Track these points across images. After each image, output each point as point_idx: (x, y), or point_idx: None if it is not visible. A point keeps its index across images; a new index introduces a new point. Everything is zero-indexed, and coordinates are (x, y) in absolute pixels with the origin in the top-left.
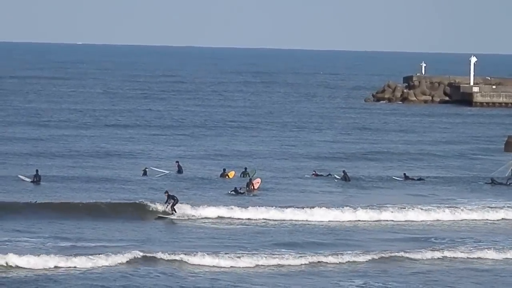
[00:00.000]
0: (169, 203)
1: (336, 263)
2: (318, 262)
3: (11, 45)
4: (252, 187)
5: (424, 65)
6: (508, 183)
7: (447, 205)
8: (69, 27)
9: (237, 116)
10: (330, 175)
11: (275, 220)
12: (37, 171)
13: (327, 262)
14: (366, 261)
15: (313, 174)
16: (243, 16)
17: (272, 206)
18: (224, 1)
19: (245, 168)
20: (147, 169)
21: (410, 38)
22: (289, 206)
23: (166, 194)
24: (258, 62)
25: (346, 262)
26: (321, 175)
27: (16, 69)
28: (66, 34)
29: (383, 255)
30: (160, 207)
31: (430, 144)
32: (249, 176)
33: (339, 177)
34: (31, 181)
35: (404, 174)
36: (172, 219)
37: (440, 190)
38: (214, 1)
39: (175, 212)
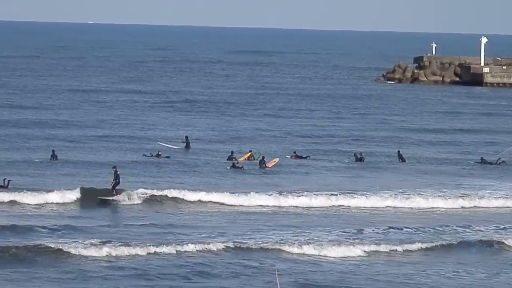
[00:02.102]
0: (112, 182)
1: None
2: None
3: (17, 25)
4: (264, 166)
5: (434, 45)
6: (497, 162)
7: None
8: (79, 7)
9: (242, 96)
10: (309, 157)
11: (322, 207)
12: (53, 151)
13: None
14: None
15: (292, 155)
16: None
17: (318, 192)
18: None
19: (250, 151)
20: (160, 153)
21: (420, 19)
22: (327, 192)
23: (114, 170)
24: (263, 42)
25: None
26: (301, 157)
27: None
28: (77, 14)
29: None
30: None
31: (438, 124)
32: (253, 159)
33: (351, 159)
34: (48, 161)
35: (398, 151)
36: (115, 201)
37: (441, 172)
38: None
39: (115, 193)
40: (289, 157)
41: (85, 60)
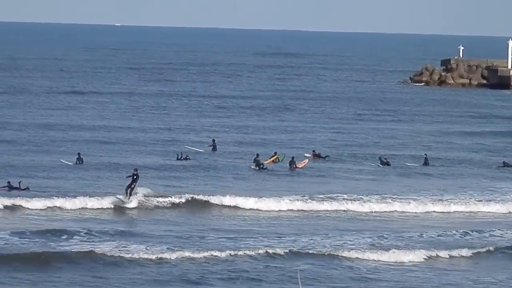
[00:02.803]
0: (131, 186)
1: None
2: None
3: (42, 27)
4: (294, 166)
5: (462, 48)
6: None
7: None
8: (107, 9)
9: (268, 98)
10: (328, 157)
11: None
12: (79, 154)
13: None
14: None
15: (312, 154)
16: None
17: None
18: None
19: (275, 152)
20: (189, 157)
21: (448, 21)
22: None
23: (136, 172)
24: (285, 44)
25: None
26: (319, 156)
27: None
28: (103, 16)
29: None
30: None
31: (464, 127)
32: (278, 161)
33: (378, 164)
34: (73, 164)
35: (425, 155)
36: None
37: (467, 176)
38: None
39: (130, 196)
40: (309, 155)
41: (110, 62)
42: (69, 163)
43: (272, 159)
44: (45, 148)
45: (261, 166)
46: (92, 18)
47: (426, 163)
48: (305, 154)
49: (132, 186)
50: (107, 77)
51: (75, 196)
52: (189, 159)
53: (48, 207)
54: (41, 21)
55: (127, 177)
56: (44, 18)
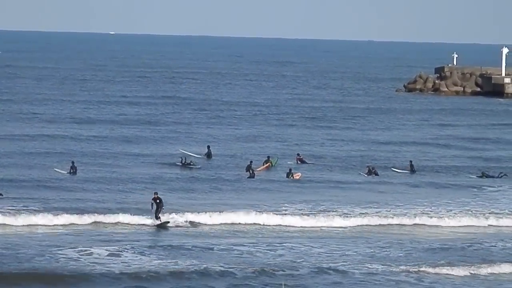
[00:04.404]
0: (157, 210)
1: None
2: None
3: (45, 35)
4: (291, 177)
5: (455, 56)
6: (499, 176)
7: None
8: (101, 17)
9: (261, 106)
10: (313, 164)
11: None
12: (73, 162)
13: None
14: None
15: (297, 158)
16: (263, 5)
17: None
18: None
19: (268, 157)
20: (192, 163)
21: (441, 29)
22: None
23: (157, 195)
24: (280, 53)
25: None
26: (304, 161)
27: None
28: (97, 24)
29: None
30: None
31: (457, 134)
32: (272, 165)
33: (365, 173)
34: (67, 173)
35: (410, 162)
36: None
37: (454, 186)
38: None
39: (160, 219)
40: (290, 163)
41: (104, 70)
42: (63, 172)
43: (266, 165)
44: (37, 158)
45: (251, 173)
46: (86, 26)
47: (412, 170)
48: (289, 162)
49: (160, 209)
50: (99, 85)
51: (92, 212)
52: (193, 165)
53: (69, 223)
54: (34, 29)
55: (152, 206)
56: (37, 27)
